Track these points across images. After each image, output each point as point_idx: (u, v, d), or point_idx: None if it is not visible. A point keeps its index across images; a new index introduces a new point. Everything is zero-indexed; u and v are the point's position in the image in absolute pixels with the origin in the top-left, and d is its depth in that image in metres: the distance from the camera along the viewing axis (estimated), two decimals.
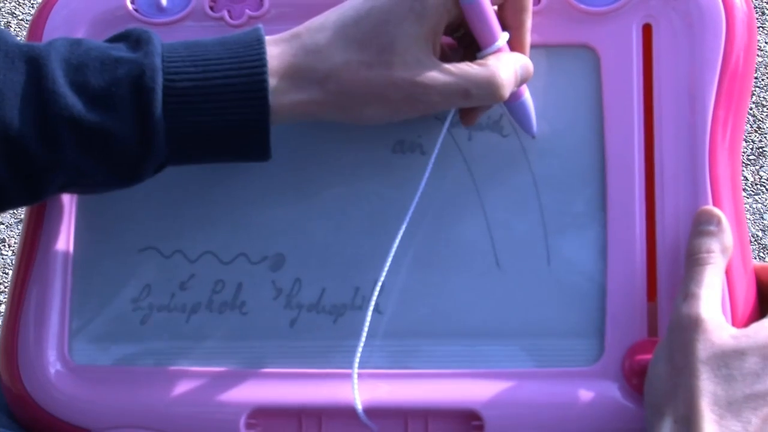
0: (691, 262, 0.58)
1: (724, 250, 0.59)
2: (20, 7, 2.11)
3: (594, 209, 0.62)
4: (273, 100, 0.57)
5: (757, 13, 2.04)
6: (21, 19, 2.09)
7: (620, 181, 0.62)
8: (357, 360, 0.61)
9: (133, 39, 0.58)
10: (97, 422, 0.62)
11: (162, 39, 0.58)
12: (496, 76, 0.58)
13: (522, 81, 0.60)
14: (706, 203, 0.60)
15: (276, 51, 0.58)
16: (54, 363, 0.63)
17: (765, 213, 1.76)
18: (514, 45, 0.61)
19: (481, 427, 0.60)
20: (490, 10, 0.59)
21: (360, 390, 0.61)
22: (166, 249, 0.65)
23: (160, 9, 0.66)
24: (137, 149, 0.57)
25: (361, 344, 0.61)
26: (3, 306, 1.61)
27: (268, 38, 0.58)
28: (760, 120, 1.89)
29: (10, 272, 1.65)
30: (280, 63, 0.58)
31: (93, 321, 0.64)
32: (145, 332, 0.64)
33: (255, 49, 0.58)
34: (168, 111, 0.57)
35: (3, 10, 2.10)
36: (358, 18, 0.58)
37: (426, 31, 0.57)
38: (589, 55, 0.63)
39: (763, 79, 1.95)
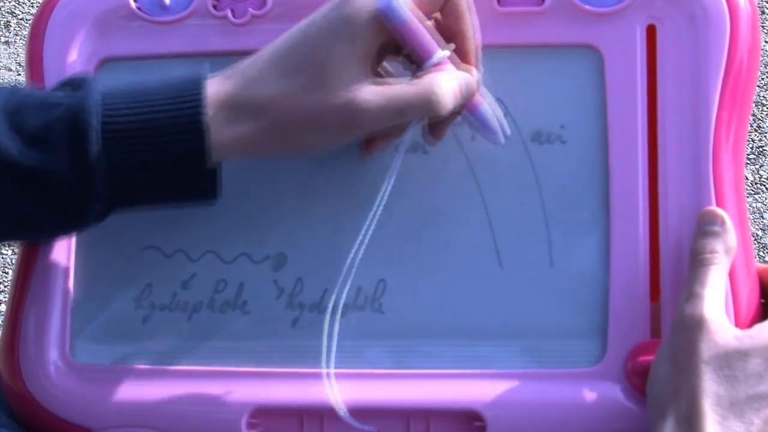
0: (695, 263, 0.58)
1: (727, 251, 0.59)
2: (20, 6, 2.11)
3: (597, 210, 0.62)
4: (212, 135, 0.57)
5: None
6: (21, 18, 2.09)
7: (623, 182, 0.62)
8: (324, 358, 0.61)
9: (76, 84, 0.59)
10: (98, 421, 0.62)
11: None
12: (430, 93, 0.57)
13: (468, 94, 0.60)
14: (710, 204, 0.60)
15: (214, 86, 0.58)
16: (55, 362, 0.63)
17: (765, 212, 1.76)
18: (460, 55, 0.60)
19: (483, 428, 0.60)
20: (420, 27, 0.58)
21: (362, 390, 0.61)
22: (168, 248, 0.65)
23: (164, 7, 0.66)
24: (77, 190, 0.57)
25: (325, 344, 0.61)
26: (3, 305, 1.61)
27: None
28: (760, 119, 1.89)
29: (11, 271, 1.65)
30: (217, 96, 0.58)
31: (94, 320, 0.64)
32: (147, 331, 0.64)
33: (194, 84, 0.58)
34: (106, 148, 0.56)
35: (3, 9, 2.10)
36: (291, 46, 0.58)
37: (359, 52, 0.57)
38: (593, 55, 0.63)
39: (763, 79, 1.95)
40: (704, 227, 0.59)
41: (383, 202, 0.61)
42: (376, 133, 0.61)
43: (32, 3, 2.11)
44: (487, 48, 0.64)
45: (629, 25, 0.63)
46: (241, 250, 0.64)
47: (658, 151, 0.62)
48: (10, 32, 2.06)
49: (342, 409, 0.60)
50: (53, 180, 0.56)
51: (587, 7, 0.63)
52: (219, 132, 0.57)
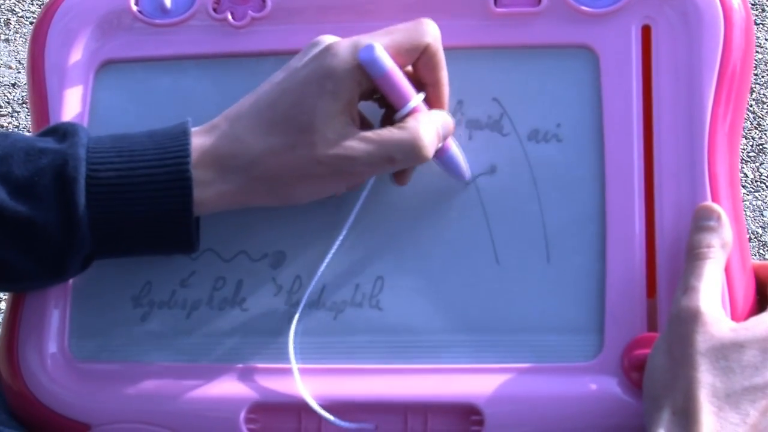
0: (691, 257, 0.58)
1: (723, 245, 0.59)
2: (20, 4, 2.11)
3: (593, 206, 0.63)
4: (197, 191, 0.58)
5: (757, 10, 2.04)
6: (21, 16, 2.09)
7: (619, 178, 0.62)
8: (291, 350, 0.62)
9: (61, 132, 0.59)
10: (97, 418, 0.63)
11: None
12: (418, 138, 0.58)
13: (444, 137, 0.61)
14: (705, 200, 0.61)
15: (197, 142, 0.58)
16: (54, 359, 0.63)
17: (765, 210, 1.76)
18: (432, 101, 0.61)
19: (480, 422, 0.60)
20: (400, 76, 0.59)
21: (360, 384, 0.62)
22: None
23: (164, 10, 0.67)
24: (61, 239, 0.57)
25: (291, 337, 0.62)
26: (3, 303, 1.61)
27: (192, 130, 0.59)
28: (760, 117, 1.89)
29: None
30: (201, 154, 0.58)
31: (93, 317, 0.64)
32: (146, 329, 0.64)
33: (180, 141, 0.58)
34: (91, 200, 0.57)
35: (3, 7, 2.10)
36: (272, 102, 0.59)
37: (341, 105, 0.58)
38: (589, 55, 0.64)
39: (763, 76, 1.95)
40: (700, 222, 0.59)
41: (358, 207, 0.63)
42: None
43: (32, 1, 2.11)
44: (484, 48, 0.64)
45: (624, 25, 0.63)
46: (239, 248, 0.65)
47: (654, 148, 0.62)
48: (9, 30, 2.06)
49: (316, 406, 0.61)
50: (38, 229, 0.57)
51: (583, 7, 0.64)
52: (204, 190, 0.58)
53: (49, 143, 0.59)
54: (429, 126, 0.59)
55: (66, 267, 0.59)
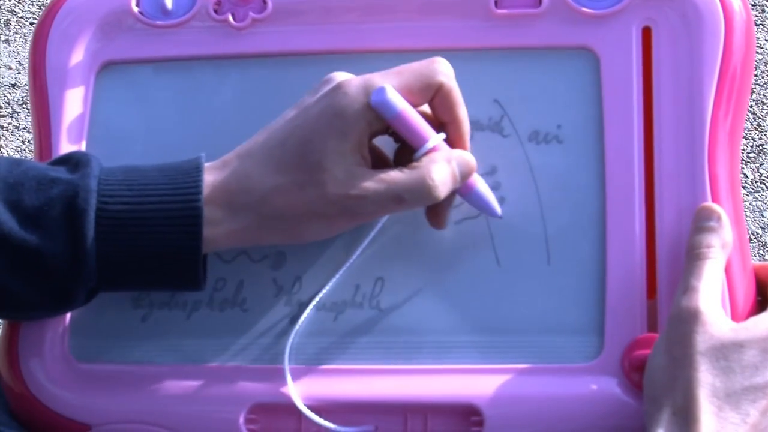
0: (691, 257, 0.58)
1: (723, 246, 0.59)
2: (20, 5, 2.11)
3: (594, 207, 0.63)
4: (207, 229, 0.58)
5: (757, 10, 2.04)
6: (21, 17, 2.09)
7: (620, 180, 0.62)
8: (287, 354, 0.62)
9: (73, 162, 0.59)
10: (98, 418, 0.63)
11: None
12: (427, 179, 0.58)
13: (464, 176, 0.60)
14: (705, 201, 0.61)
15: (209, 179, 0.58)
16: (54, 360, 0.64)
17: (765, 210, 1.76)
18: (453, 139, 0.60)
19: (480, 423, 0.60)
20: (414, 116, 0.59)
21: (359, 385, 0.62)
22: None
23: (165, 12, 0.67)
24: (68, 271, 0.57)
25: (291, 338, 0.62)
26: None
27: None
28: (760, 117, 1.89)
29: None
30: (212, 191, 0.58)
31: (94, 318, 0.64)
32: (146, 329, 0.64)
33: (192, 176, 0.58)
34: (100, 233, 0.57)
35: (3, 7, 2.10)
36: (283, 140, 0.58)
37: (351, 145, 0.57)
38: (590, 57, 0.64)
39: (763, 77, 1.95)
40: (700, 223, 0.60)
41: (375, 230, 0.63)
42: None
43: (32, 1, 2.11)
44: (484, 50, 0.65)
45: (625, 27, 0.63)
46: (240, 250, 0.65)
47: (654, 149, 0.62)
48: (10, 30, 2.06)
49: (312, 414, 0.61)
50: (45, 260, 0.57)
51: (583, 9, 0.64)
52: (215, 228, 0.58)
53: (61, 173, 0.58)
54: (442, 167, 0.58)
55: (71, 299, 0.59)
